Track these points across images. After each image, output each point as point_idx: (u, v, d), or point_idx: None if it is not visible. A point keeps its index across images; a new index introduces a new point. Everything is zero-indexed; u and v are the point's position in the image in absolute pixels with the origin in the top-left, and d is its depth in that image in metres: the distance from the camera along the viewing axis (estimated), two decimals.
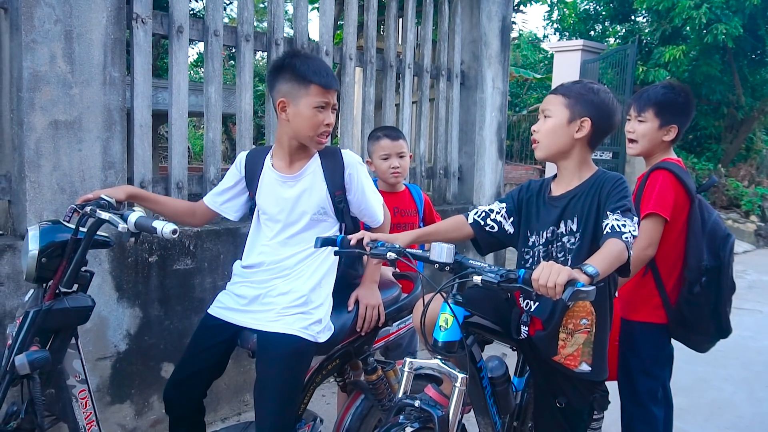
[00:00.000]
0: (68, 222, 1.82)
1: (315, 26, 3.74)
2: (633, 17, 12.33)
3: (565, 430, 1.97)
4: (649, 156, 2.40)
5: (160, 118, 3.40)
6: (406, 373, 1.78)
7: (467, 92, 4.56)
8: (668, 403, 2.48)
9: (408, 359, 1.80)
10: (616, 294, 2.03)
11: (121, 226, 1.54)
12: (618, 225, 1.71)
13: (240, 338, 2.11)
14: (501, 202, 2.07)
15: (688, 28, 10.26)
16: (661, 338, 2.36)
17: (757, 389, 3.91)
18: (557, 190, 1.95)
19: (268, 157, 2.17)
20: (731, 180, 10.59)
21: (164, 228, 1.55)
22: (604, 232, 1.72)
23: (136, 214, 1.61)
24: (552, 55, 12.76)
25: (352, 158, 2.19)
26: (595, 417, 1.97)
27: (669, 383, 2.51)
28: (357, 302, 2.20)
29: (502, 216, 2.03)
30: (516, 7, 9.70)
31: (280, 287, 2.06)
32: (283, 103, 2.03)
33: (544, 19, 15.69)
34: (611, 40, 12.65)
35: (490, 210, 2.04)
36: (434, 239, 1.87)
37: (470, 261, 1.72)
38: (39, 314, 1.66)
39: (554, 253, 1.90)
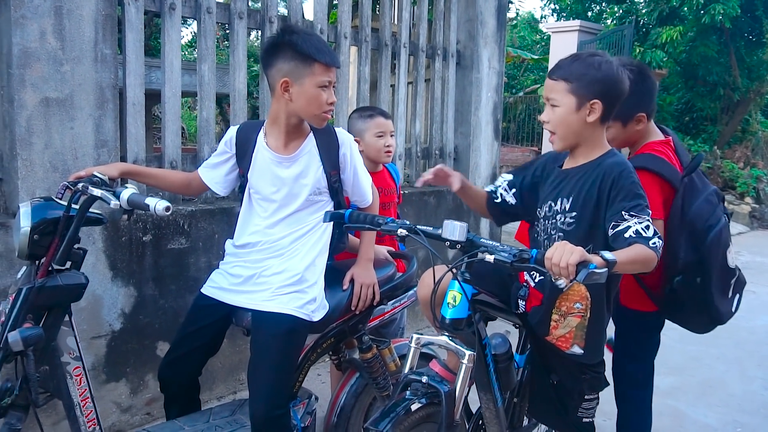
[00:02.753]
0: (60, 199, 1.81)
1: (309, 5, 3.70)
2: None
3: (557, 407, 1.98)
4: (630, 145, 2.29)
5: (153, 98, 3.36)
6: (413, 349, 1.78)
7: (463, 72, 4.53)
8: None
9: (415, 335, 1.79)
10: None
11: (113, 203, 1.53)
12: (642, 230, 1.68)
13: (234, 317, 2.11)
14: (509, 173, 2.11)
15: (685, 8, 10.21)
16: (649, 325, 2.35)
17: (749, 368, 3.95)
18: (568, 163, 1.93)
19: (261, 134, 2.14)
20: (727, 162, 10.60)
21: (157, 205, 1.54)
22: (626, 236, 1.68)
23: (128, 191, 1.60)
24: (549, 36, 12.70)
25: (346, 137, 2.18)
26: (587, 398, 1.95)
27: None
28: (352, 281, 2.20)
29: (503, 188, 2.07)
30: None
31: (275, 267, 2.06)
32: (286, 84, 1.98)
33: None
34: (608, 21, 12.58)
35: (499, 184, 2.10)
36: (475, 207, 2.01)
37: (482, 240, 1.71)
38: (32, 291, 1.65)
39: (548, 230, 1.90)
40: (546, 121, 1.86)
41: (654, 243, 1.67)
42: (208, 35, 3.00)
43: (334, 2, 5.02)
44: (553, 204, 1.89)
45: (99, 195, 1.59)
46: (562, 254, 1.46)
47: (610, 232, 1.73)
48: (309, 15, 3.66)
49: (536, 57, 13.96)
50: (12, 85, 2.32)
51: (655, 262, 1.67)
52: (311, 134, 2.13)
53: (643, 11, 11.70)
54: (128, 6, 2.68)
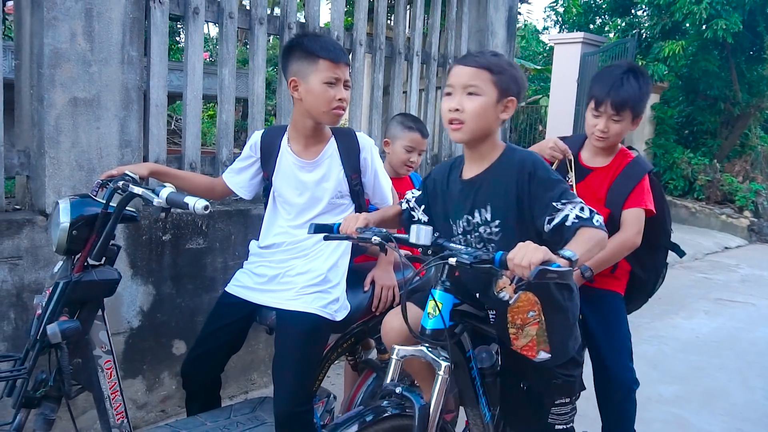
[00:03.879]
0: (94, 197, 1.85)
1: (327, 12, 3.76)
2: (633, 11, 12.36)
3: (528, 414, 1.90)
4: (612, 145, 2.33)
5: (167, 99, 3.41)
6: (393, 361, 1.72)
7: None
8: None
9: (396, 346, 1.72)
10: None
11: (156, 201, 1.58)
12: (579, 213, 1.62)
13: (258, 315, 2.15)
14: (418, 188, 2.03)
15: (688, 23, 10.30)
16: (621, 306, 2.43)
17: (750, 378, 4.00)
18: (468, 172, 1.82)
19: (285, 139, 2.19)
20: (726, 175, 10.68)
21: (196, 204, 1.59)
22: (568, 224, 1.62)
23: (167, 190, 1.65)
24: (551, 47, 12.79)
25: (367, 141, 2.23)
26: (559, 402, 1.86)
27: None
28: (373, 283, 2.25)
29: (413, 206, 2.00)
30: None
31: (299, 267, 2.11)
32: (295, 82, 2.05)
33: (547, 10, 15.68)
34: (611, 34, 12.69)
35: (407, 199, 2.03)
36: (386, 226, 1.86)
37: (449, 243, 1.68)
38: (69, 285, 1.70)
39: (473, 244, 1.83)
40: (457, 109, 1.70)
41: (597, 220, 1.62)
42: (229, 40, 3.05)
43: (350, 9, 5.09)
44: (470, 218, 1.81)
45: (140, 193, 1.63)
46: (525, 254, 1.40)
47: (547, 227, 1.66)
48: (325, 21, 3.71)
49: (538, 67, 14.06)
50: (42, 85, 2.37)
51: (607, 239, 1.64)
52: (332, 138, 2.18)
53: (646, 25, 11.80)
54: (154, 10, 2.73)
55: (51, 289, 1.71)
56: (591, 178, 2.32)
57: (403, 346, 1.72)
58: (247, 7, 3.18)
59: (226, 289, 2.20)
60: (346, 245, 2.19)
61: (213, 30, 11.77)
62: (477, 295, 1.89)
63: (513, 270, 1.43)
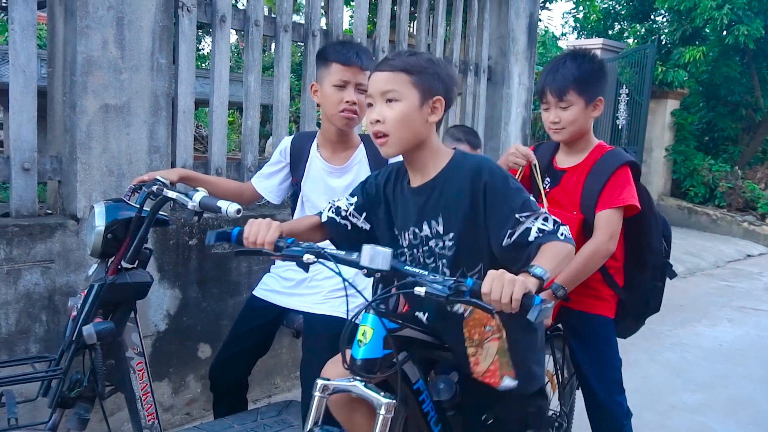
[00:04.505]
0: (128, 201, 1.89)
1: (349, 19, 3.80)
2: (653, 16, 12.29)
3: None
4: (578, 138, 2.12)
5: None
6: (317, 398, 1.44)
7: (494, 87, 4.61)
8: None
9: (320, 380, 1.45)
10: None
11: (190, 204, 1.61)
12: (542, 225, 1.48)
13: (285, 319, 2.18)
14: (352, 195, 1.78)
15: (708, 29, 10.23)
16: (611, 331, 2.22)
17: None
18: (416, 179, 1.63)
19: (314, 144, 2.22)
20: (748, 182, 10.56)
21: (229, 207, 1.61)
22: (531, 239, 1.47)
23: (200, 194, 1.68)
24: None
25: None
26: None
27: None
28: None
29: (350, 213, 1.75)
30: (542, 4, 9.71)
31: (326, 271, 2.11)
32: (314, 87, 2.10)
33: (566, 16, 15.64)
34: (630, 40, 12.63)
35: (339, 206, 1.77)
36: (297, 238, 1.58)
37: (407, 267, 1.42)
38: (103, 287, 1.73)
39: (421, 259, 1.65)
40: (379, 120, 1.53)
41: (563, 233, 1.49)
42: (255, 47, 3.10)
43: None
44: (417, 230, 1.63)
45: (174, 197, 1.67)
46: (502, 288, 1.24)
47: (507, 241, 1.50)
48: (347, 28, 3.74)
49: None
50: (75, 92, 2.42)
51: (574, 251, 1.51)
52: (362, 145, 2.20)
53: (666, 30, 11.74)
54: (182, 18, 2.78)
55: (86, 291, 1.75)
56: (566, 179, 2.12)
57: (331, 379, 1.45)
58: (272, 15, 3.23)
59: (254, 292, 2.23)
60: None
61: (233, 37, 11.90)
62: (424, 315, 1.68)
63: (491, 304, 1.26)
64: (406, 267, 1.43)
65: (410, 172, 1.64)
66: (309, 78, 3.19)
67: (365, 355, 1.41)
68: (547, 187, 2.14)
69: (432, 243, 1.61)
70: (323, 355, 2.02)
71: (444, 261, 1.60)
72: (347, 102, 2.03)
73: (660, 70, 10.35)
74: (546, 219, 1.50)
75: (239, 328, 2.20)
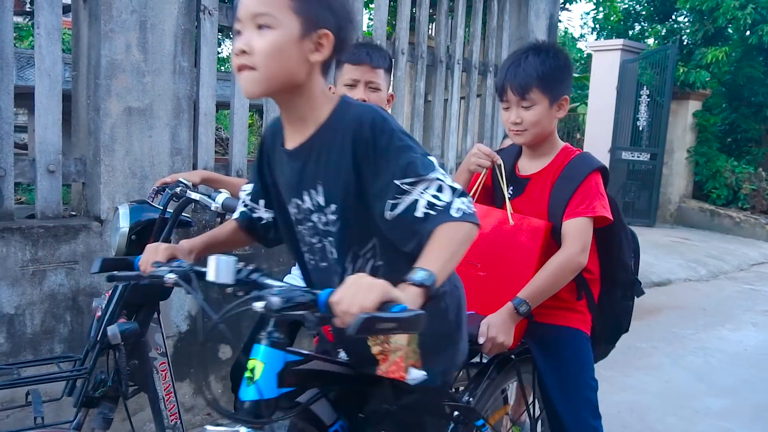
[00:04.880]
0: (152, 202, 1.91)
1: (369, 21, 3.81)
2: (674, 16, 12.16)
3: None
4: (541, 141, 1.91)
5: None
6: None
7: None
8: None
9: (209, 426, 1.20)
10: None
11: (213, 205, 1.62)
12: (433, 198, 1.19)
13: (306, 321, 2.18)
14: (250, 181, 1.54)
15: (730, 29, 10.11)
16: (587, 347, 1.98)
17: None
18: (292, 140, 1.33)
19: None
20: None
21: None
22: (419, 215, 1.19)
23: (222, 196, 1.69)
24: (589, 54, 12.67)
25: None
26: None
27: None
28: None
29: (251, 203, 1.51)
30: (562, 5, 9.66)
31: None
32: (331, 89, 2.06)
33: (585, 17, 15.54)
34: (650, 40, 12.51)
35: (242, 199, 1.53)
36: (220, 249, 1.41)
37: (264, 279, 1.22)
38: (127, 288, 1.75)
39: (307, 239, 1.38)
40: (245, 51, 1.19)
41: (459, 209, 1.18)
42: None
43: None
44: (299, 202, 1.34)
45: (197, 198, 1.68)
46: (354, 297, 1.01)
47: (390, 214, 1.21)
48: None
49: (576, 75, 13.93)
50: (99, 95, 2.45)
51: (476, 230, 1.21)
52: None
53: (688, 31, 11.61)
54: (204, 21, 2.80)
55: (110, 291, 1.77)
56: (530, 187, 1.90)
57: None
58: None
59: None
60: None
61: None
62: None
63: (341, 318, 1.03)
64: (259, 277, 1.21)
65: (286, 128, 1.34)
66: (328, 79, 3.19)
67: (253, 396, 1.13)
68: (509, 196, 1.91)
69: (314, 218, 1.33)
70: None
71: (330, 240, 1.33)
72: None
73: (681, 70, 10.23)
74: (440, 188, 1.20)
75: (259, 329, 2.20)
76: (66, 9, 2.65)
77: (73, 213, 2.64)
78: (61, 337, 2.43)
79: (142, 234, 1.76)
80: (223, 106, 3.81)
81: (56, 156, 2.44)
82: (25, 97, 2.97)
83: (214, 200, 1.64)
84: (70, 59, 2.67)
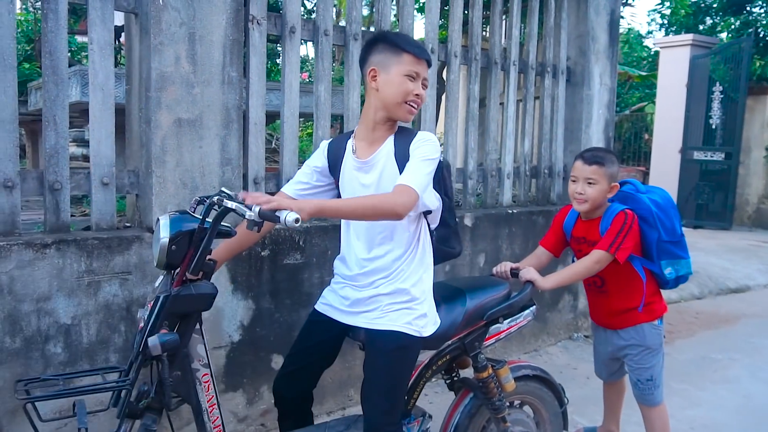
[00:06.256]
0: (193, 213, 1.90)
1: (421, 26, 3.75)
2: (748, 8, 11.55)
3: None
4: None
5: (268, 118, 3.50)
6: None
7: (573, 89, 4.42)
8: None
9: None
10: None
11: (248, 214, 1.59)
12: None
13: (351, 332, 2.12)
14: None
15: None
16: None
17: None
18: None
19: (350, 141, 2.11)
20: None
21: (287, 217, 1.57)
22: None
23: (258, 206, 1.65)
24: (656, 52, 12.20)
25: (422, 135, 2.02)
26: None
27: None
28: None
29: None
30: (624, 1, 9.32)
31: (382, 288, 2.03)
32: (374, 72, 1.99)
33: (652, 13, 14.96)
34: (723, 35, 11.92)
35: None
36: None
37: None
38: (168, 299, 1.73)
39: None
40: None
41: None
42: (325, 57, 3.09)
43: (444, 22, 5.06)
44: None
45: (233, 207, 1.65)
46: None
47: None
48: (420, 35, 3.69)
49: (643, 74, 13.43)
50: (149, 107, 2.48)
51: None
52: (391, 137, 2.04)
53: (764, 23, 10.99)
54: (252, 31, 2.81)
55: (152, 302, 1.76)
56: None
57: None
58: (342, 24, 3.22)
59: (316, 306, 2.19)
60: (427, 259, 2.08)
61: (311, 51, 12.12)
62: None
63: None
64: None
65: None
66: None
67: None
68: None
69: None
70: (383, 370, 1.97)
71: None
72: (416, 95, 1.99)
73: (758, 64, 9.71)
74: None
75: (302, 343, 2.17)
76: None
77: (128, 224, 2.68)
78: (116, 347, 2.47)
79: (181, 244, 1.75)
80: (276, 116, 3.81)
81: (110, 168, 2.49)
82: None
83: (250, 209, 1.61)
84: (123, 74, 2.73)
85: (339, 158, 2.12)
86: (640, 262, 2.53)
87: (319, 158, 2.17)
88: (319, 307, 2.18)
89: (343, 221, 2.16)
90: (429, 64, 2.04)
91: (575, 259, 2.70)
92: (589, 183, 2.49)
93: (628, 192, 2.60)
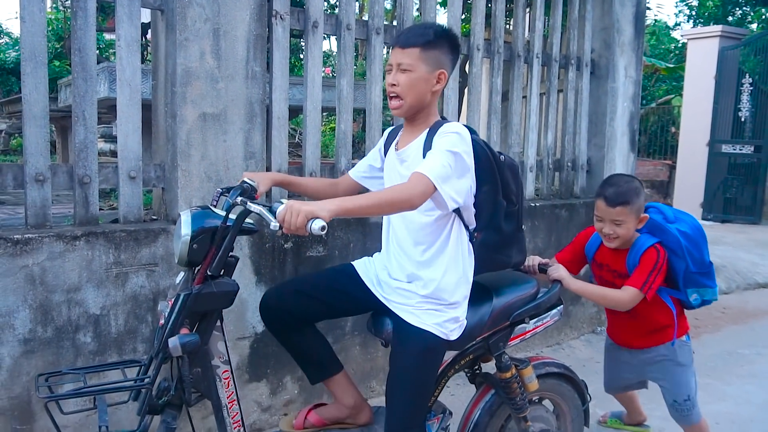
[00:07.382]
0: (215, 205, 1.91)
1: (443, 19, 3.73)
2: None
3: None
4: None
5: (291, 113, 3.53)
6: None
7: (597, 82, 4.38)
8: None
9: None
10: None
11: (273, 224, 1.55)
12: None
13: (374, 326, 2.13)
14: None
15: None
16: None
17: None
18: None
19: (400, 131, 2.19)
20: None
21: (313, 225, 1.54)
22: None
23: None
24: (683, 44, 11.99)
25: (447, 126, 1.97)
26: None
27: None
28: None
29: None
30: None
31: (418, 281, 2.03)
32: (444, 75, 2.04)
33: (679, 5, 14.70)
34: (753, 25, 11.68)
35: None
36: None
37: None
38: (189, 297, 1.74)
39: None
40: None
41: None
42: (347, 51, 3.11)
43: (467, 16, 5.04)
44: None
45: (257, 211, 1.63)
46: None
47: None
48: None
49: (670, 66, 13.22)
50: (175, 102, 2.52)
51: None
52: (426, 130, 2.02)
53: None
54: (275, 26, 2.83)
55: (173, 300, 1.77)
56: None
57: None
58: (364, 19, 3.23)
59: (354, 263, 2.22)
60: (469, 258, 2.07)
61: (334, 45, 12.15)
62: None
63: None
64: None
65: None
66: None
67: None
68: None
69: None
70: (408, 369, 1.96)
71: None
72: (391, 85, 2.03)
73: None
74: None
75: (321, 279, 2.21)
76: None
77: (155, 217, 2.73)
78: (143, 337, 2.52)
79: (203, 242, 1.75)
80: (299, 110, 3.84)
81: (137, 162, 2.53)
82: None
83: (274, 214, 1.59)
84: (151, 69, 2.77)
85: (388, 147, 2.20)
86: (667, 292, 2.48)
87: (381, 144, 2.29)
88: (358, 266, 2.20)
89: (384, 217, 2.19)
90: (402, 46, 1.96)
91: (593, 280, 2.65)
92: (617, 224, 2.39)
93: (657, 222, 2.48)
